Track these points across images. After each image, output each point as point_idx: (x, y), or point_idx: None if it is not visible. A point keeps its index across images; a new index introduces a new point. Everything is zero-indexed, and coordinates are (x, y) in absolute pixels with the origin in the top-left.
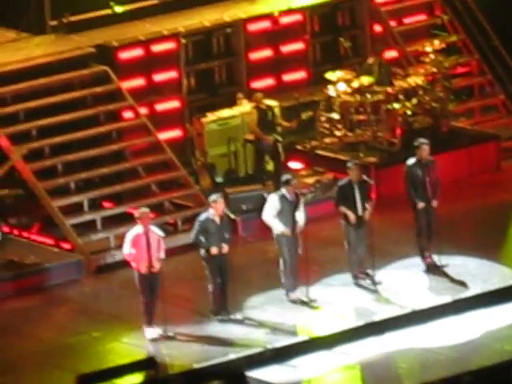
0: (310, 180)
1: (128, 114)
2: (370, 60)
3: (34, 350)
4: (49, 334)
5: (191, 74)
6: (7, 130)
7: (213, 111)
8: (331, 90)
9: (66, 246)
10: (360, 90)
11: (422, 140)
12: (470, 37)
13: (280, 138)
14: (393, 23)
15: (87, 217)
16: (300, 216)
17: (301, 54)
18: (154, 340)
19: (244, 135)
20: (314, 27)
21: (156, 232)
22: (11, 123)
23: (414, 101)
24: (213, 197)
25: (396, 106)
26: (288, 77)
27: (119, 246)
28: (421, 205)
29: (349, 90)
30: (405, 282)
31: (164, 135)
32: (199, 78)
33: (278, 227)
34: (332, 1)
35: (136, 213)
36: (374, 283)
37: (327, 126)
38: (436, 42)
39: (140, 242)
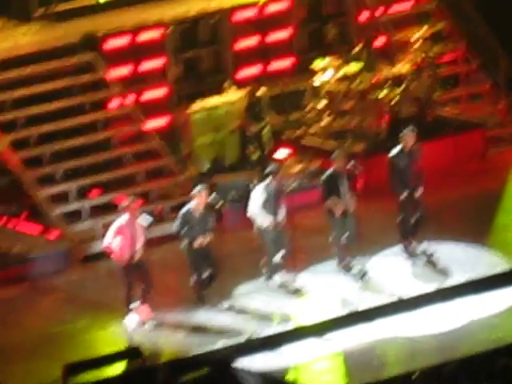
0: (296, 169)
1: (114, 103)
2: (357, 48)
3: (20, 339)
4: (35, 323)
5: (178, 63)
6: None
7: (199, 100)
8: (317, 79)
9: (53, 234)
10: (346, 78)
11: (409, 129)
12: (456, 24)
13: (266, 128)
14: (379, 11)
15: (74, 205)
16: (281, 210)
17: (287, 42)
18: (138, 327)
19: (230, 124)
20: (300, 15)
21: (142, 222)
22: None
23: (401, 89)
24: (196, 188)
25: (382, 94)
26: (274, 65)
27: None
28: (405, 193)
29: (335, 78)
30: (391, 271)
31: (150, 124)
32: (186, 67)
33: (261, 221)
34: None
35: (124, 202)
36: (361, 271)
37: (313, 114)
38: (422, 30)
39: (125, 232)
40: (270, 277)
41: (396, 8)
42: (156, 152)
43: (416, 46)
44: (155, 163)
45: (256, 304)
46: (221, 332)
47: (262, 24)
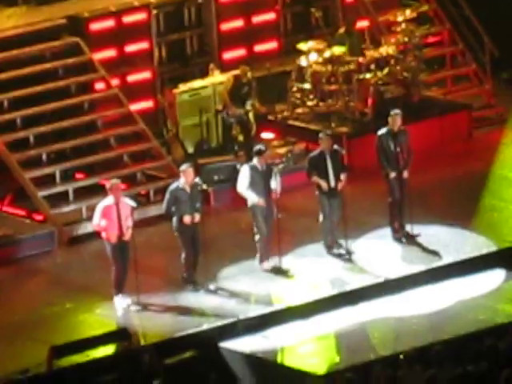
0: (282, 150)
1: (100, 86)
2: (342, 30)
3: (6, 321)
4: (21, 306)
5: (163, 45)
6: None
7: (184, 82)
8: (303, 60)
9: (38, 217)
10: (331, 60)
11: (395, 110)
12: (441, 6)
13: (249, 113)
14: None
15: (59, 188)
16: (274, 185)
17: (272, 25)
18: (124, 309)
19: (216, 106)
20: None
21: (128, 202)
22: None
23: (386, 70)
24: (183, 166)
25: (367, 75)
26: (260, 47)
27: (91, 218)
28: (392, 174)
29: (320, 60)
30: (378, 252)
31: (136, 106)
32: (171, 49)
33: (252, 198)
34: None
35: (107, 184)
36: (348, 253)
37: (299, 96)
38: (407, 12)
39: (111, 213)
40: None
41: None
42: (141, 135)
43: (401, 27)
44: (140, 146)
45: (242, 286)
46: (207, 314)
47: (247, 6)
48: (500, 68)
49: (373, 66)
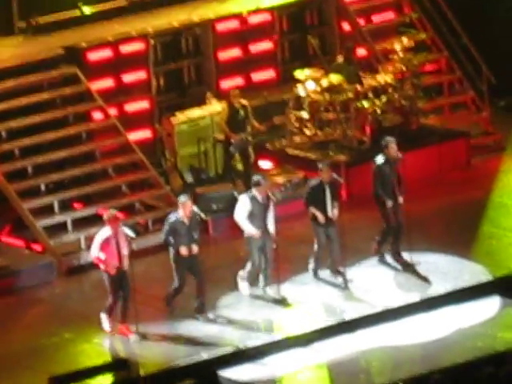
0: (281, 179)
1: (97, 115)
2: (339, 58)
3: (5, 352)
4: (20, 336)
5: (160, 75)
6: None
7: (182, 111)
8: (300, 89)
9: (37, 247)
10: (329, 89)
11: (389, 138)
12: (438, 34)
13: (250, 138)
14: (361, 21)
15: (58, 218)
16: (271, 220)
17: (269, 53)
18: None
19: (214, 135)
20: (282, 26)
21: (125, 232)
22: None
23: (384, 99)
24: (181, 198)
25: (365, 104)
26: (257, 76)
27: (90, 247)
28: (390, 203)
29: (318, 89)
30: (376, 280)
31: (134, 136)
32: (168, 78)
33: (248, 229)
34: (300, 0)
35: (104, 215)
36: (346, 281)
37: (297, 124)
38: (405, 40)
39: (109, 245)
40: (252, 284)
41: (378, 18)
42: (139, 164)
43: (398, 55)
44: (138, 175)
45: (240, 315)
46: (206, 343)
47: (245, 35)
48: (497, 95)
49: (370, 95)
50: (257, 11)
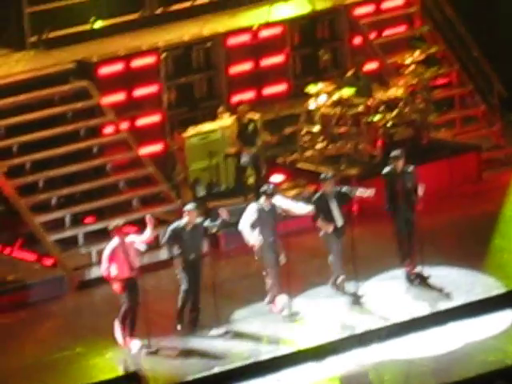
0: (292, 193)
1: (109, 130)
2: (350, 72)
3: (17, 366)
4: (32, 350)
5: (171, 89)
6: None
7: (194, 125)
8: (312, 103)
9: (48, 261)
10: (340, 103)
11: (396, 153)
12: (449, 48)
13: (260, 151)
14: (372, 35)
15: (69, 232)
16: (301, 207)
17: (281, 67)
18: (135, 353)
19: (225, 149)
20: (293, 40)
21: (135, 242)
22: None
23: (395, 112)
24: (188, 206)
25: (376, 118)
26: (268, 90)
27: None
28: (399, 216)
29: (329, 103)
30: (389, 294)
31: (145, 150)
32: (179, 93)
33: (249, 238)
34: (312, 14)
35: (109, 226)
36: (357, 295)
37: (308, 138)
38: (416, 54)
39: (118, 255)
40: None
41: (389, 32)
42: (150, 178)
43: (409, 69)
44: (150, 190)
45: (252, 329)
46: (218, 357)
47: (256, 49)
48: (509, 109)
49: (382, 108)
50: (268, 25)
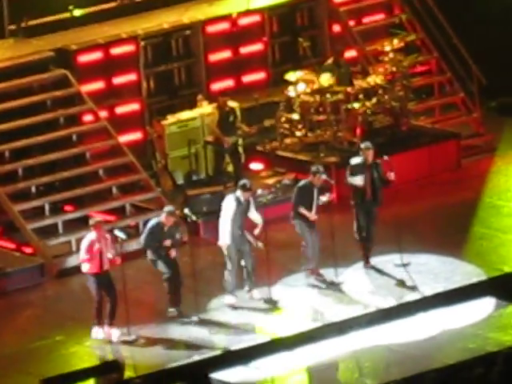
0: (271, 181)
1: (88, 118)
2: (330, 60)
3: None
4: (12, 339)
5: (151, 77)
6: None
7: (173, 113)
8: (291, 91)
9: (28, 250)
10: (320, 90)
11: (366, 144)
12: (428, 35)
13: (240, 140)
14: (351, 23)
15: (48, 221)
16: (256, 216)
17: (260, 55)
18: (114, 341)
19: (204, 137)
20: (272, 28)
21: (112, 237)
22: None
23: (374, 100)
24: (168, 208)
25: (356, 105)
26: (247, 78)
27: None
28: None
29: (308, 91)
30: (367, 282)
31: (124, 138)
32: (159, 81)
33: (224, 238)
34: (290, 1)
35: (90, 221)
36: (334, 283)
37: (287, 126)
38: (395, 41)
39: (93, 248)
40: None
41: (368, 19)
42: (130, 166)
43: (389, 57)
44: (129, 178)
45: (231, 317)
46: (197, 345)
47: (235, 37)
48: (488, 96)
49: (361, 96)
50: (247, 13)
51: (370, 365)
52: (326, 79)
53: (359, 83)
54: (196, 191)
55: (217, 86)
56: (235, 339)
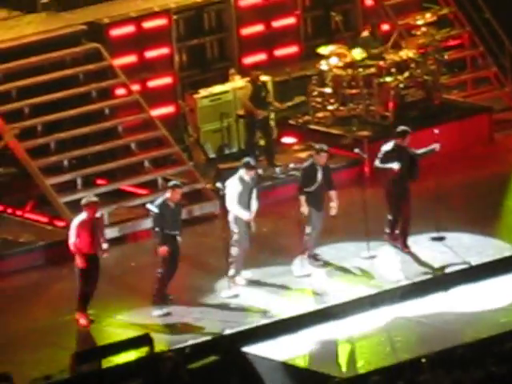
0: (303, 155)
1: (120, 91)
2: (365, 33)
3: (29, 328)
4: (44, 313)
5: (183, 50)
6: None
7: (205, 87)
8: (323, 65)
9: (60, 223)
10: (352, 64)
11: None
12: (461, 9)
13: (272, 114)
14: None
15: (80, 194)
16: (253, 202)
17: (292, 29)
18: (146, 316)
19: (236, 111)
20: (305, 1)
21: (150, 208)
22: (3, 102)
23: (406, 74)
24: (172, 182)
25: (388, 79)
26: (280, 52)
27: (113, 223)
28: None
29: (341, 64)
30: (399, 257)
31: (156, 112)
32: (191, 54)
33: (241, 214)
34: None
35: (83, 200)
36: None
37: (319, 100)
38: (427, 15)
39: (83, 230)
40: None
41: None
42: (162, 140)
43: (421, 31)
44: (161, 151)
45: (265, 290)
46: (229, 319)
47: (267, 11)
48: None
49: (393, 70)
50: None
51: (402, 339)
52: (358, 53)
53: (392, 57)
54: (228, 165)
55: (249, 60)
56: (266, 315)
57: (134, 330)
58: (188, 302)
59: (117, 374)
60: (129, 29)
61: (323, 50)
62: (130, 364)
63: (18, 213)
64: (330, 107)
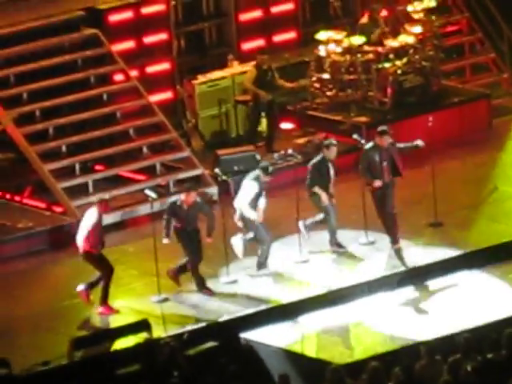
0: (301, 140)
1: (119, 77)
2: (364, 19)
3: (27, 313)
4: (42, 298)
5: (181, 36)
6: None
7: (203, 73)
8: (321, 50)
9: (58, 209)
10: (350, 50)
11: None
12: None
13: (276, 99)
14: None
15: (79, 180)
16: (262, 200)
17: (291, 15)
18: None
19: (235, 96)
20: None
21: (148, 193)
22: (1, 87)
23: (405, 60)
24: (187, 185)
25: (386, 65)
26: (278, 37)
27: (112, 209)
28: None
29: (339, 50)
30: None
31: (155, 97)
32: (189, 40)
33: (251, 214)
34: None
35: (95, 198)
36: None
37: (318, 86)
38: (426, 1)
39: (96, 229)
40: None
41: None
42: (160, 126)
43: (419, 16)
44: (159, 137)
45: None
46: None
47: None
48: None
49: (392, 56)
50: None
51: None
52: (356, 39)
53: (390, 43)
54: (226, 151)
55: (247, 46)
56: (266, 300)
57: (133, 316)
58: (186, 287)
59: (115, 359)
60: (127, 14)
61: (321, 35)
62: (128, 350)
63: (17, 198)
64: (328, 93)
